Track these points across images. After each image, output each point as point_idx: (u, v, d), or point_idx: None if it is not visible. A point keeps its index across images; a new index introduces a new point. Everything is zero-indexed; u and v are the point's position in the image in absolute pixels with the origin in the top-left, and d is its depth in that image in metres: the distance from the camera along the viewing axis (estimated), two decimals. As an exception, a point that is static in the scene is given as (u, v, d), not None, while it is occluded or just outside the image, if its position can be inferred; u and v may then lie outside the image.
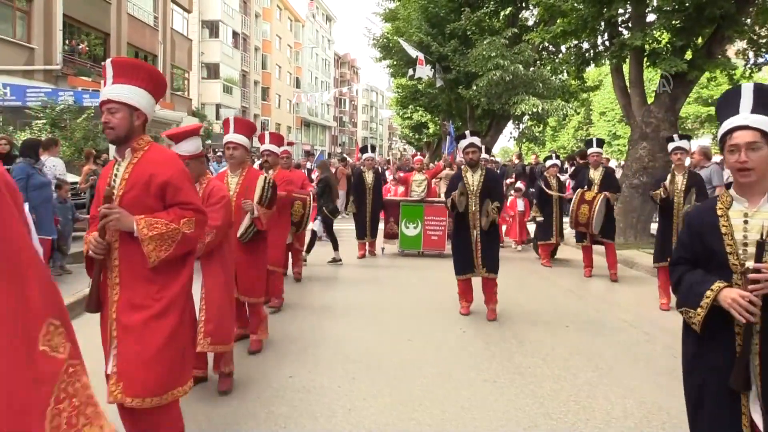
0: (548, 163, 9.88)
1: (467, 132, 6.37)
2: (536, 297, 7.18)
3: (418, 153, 12.33)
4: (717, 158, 10.08)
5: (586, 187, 8.36)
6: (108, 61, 2.72)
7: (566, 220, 9.05)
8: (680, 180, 6.29)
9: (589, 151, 8.59)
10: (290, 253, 7.22)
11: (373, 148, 10.64)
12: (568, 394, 4.07)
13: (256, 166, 8.07)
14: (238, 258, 4.30)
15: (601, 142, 8.78)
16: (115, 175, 2.68)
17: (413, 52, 18.09)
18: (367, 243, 10.08)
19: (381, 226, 10.41)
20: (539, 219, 9.45)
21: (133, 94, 2.67)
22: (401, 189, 11.32)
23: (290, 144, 7.65)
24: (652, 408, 3.87)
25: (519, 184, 11.96)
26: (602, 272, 8.36)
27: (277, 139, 6.39)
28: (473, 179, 5.99)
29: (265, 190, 4.55)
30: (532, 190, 11.77)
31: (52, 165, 8.29)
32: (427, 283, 7.87)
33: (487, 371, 4.50)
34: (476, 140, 6.14)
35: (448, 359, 4.78)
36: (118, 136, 2.66)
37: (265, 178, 4.60)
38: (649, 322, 6.03)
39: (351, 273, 8.67)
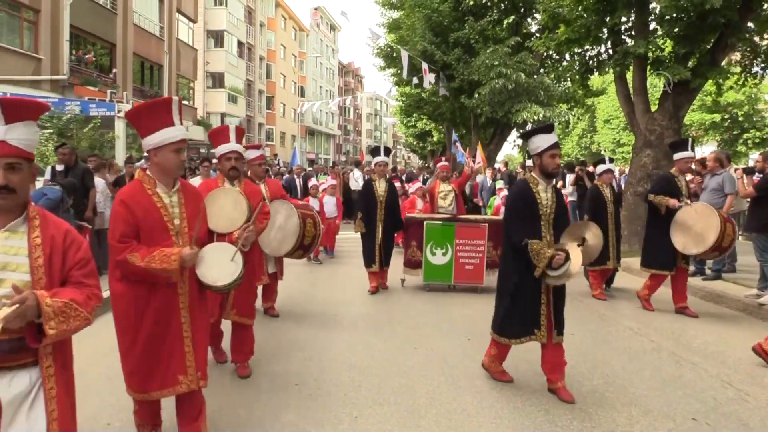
0: (600, 168, 7.84)
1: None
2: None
3: (443, 158, 10.19)
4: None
5: (687, 200, 6.59)
6: None
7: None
8: None
9: (680, 155, 6.76)
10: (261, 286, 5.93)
11: (387, 151, 8.16)
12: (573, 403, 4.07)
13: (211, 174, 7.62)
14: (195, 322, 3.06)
15: (694, 145, 7.01)
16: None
17: (405, 72, 18.27)
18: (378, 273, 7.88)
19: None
20: None
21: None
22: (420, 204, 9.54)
23: (258, 147, 6.21)
24: (658, 416, 3.86)
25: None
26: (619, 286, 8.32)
27: (243, 136, 4.85)
28: (546, 197, 4.10)
29: (253, 213, 3.46)
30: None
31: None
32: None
33: (493, 379, 4.50)
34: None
35: (453, 367, 4.78)
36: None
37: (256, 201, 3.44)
38: (654, 330, 6.03)
39: (354, 308, 7.59)
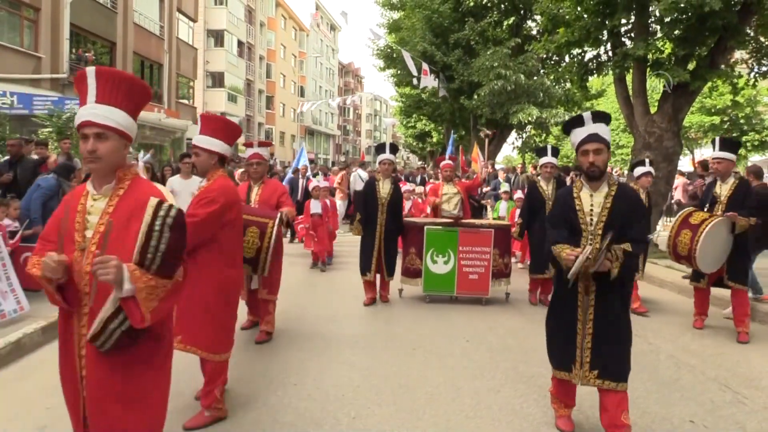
0: (638, 171, 6.76)
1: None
2: (540, 307, 7.17)
3: (447, 157, 9.28)
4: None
5: (707, 206, 5.96)
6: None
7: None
8: None
9: (712, 155, 6.05)
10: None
11: (394, 149, 7.34)
12: (571, 404, 4.07)
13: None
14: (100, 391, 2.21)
15: (730, 144, 5.91)
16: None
17: (413, 69, 18.29)
18: (378, 283, 7.21)
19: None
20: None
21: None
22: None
23: (264, 144, 5.48)
24: (656, 418, 3.88)
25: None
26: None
27: (217, 127, 3.81)
28: (591, 202, 3.34)
29: (154, 234, 2.06)
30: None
31: None
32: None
33: (492, 380, 4.51)
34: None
35: (452, 368, 4.78)
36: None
37: (158, 204, 2.09)
38: (652, 333, 6.03)
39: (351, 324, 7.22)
